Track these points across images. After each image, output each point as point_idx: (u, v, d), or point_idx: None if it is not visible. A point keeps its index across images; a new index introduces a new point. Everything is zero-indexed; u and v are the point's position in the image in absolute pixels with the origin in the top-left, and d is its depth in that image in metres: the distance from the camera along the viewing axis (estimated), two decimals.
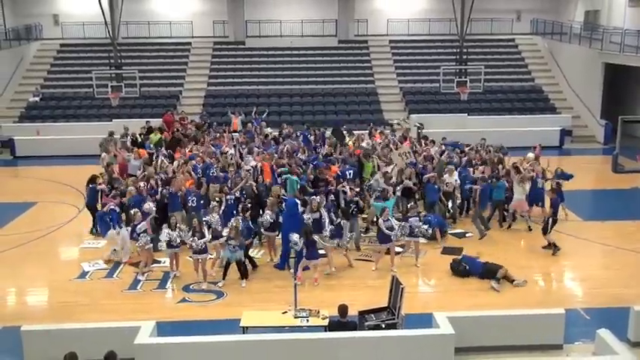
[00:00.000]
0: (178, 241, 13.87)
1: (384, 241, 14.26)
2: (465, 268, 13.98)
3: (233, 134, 23.55)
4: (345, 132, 22.23)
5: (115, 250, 15.11)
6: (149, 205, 14.95)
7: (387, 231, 14.04)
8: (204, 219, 14.27)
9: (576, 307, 12.48)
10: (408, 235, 14.51)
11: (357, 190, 16.16)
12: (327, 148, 20.19)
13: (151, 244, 14.23)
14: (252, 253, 14.73)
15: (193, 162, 18.19)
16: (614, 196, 20.94)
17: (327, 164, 17.88)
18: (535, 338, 10.74)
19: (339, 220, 14.65)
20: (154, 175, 17.15)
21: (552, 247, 15.22)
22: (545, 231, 15.20)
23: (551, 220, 15.13)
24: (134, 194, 15.75)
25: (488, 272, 13.76)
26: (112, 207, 15.26)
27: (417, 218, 14.68)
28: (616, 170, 23.39)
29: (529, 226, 16.96)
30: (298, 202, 14.86)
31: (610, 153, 24.55)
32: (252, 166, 17.90)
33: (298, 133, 23.02)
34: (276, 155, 18.62)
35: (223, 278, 13.72)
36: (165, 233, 13.92)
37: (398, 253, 14.80)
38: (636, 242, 16.10)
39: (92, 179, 16.93)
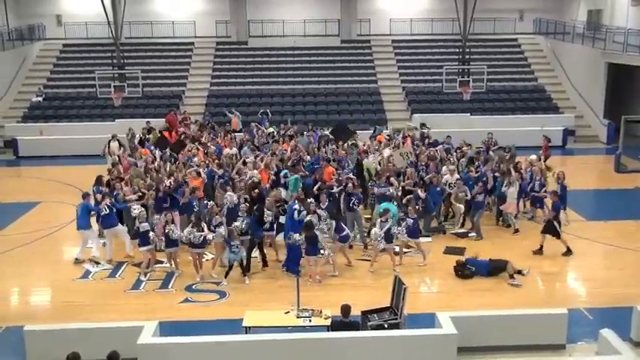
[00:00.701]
0: (174, 236, 13.95)
1: (380, 242, 14.25)
2: (471, 271, 13.93)
3: (235, 134, 23.61)
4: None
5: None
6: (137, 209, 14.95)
7: (379, 231, 14.09)
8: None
9: (579, 307, 12.46)
10: (408, 235, 14.55)
11: (354, 183, 16.13)
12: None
13: (152, 245, 14.24)
14: (254, 253, 14.68)
15: (195, 160, 18.26)
16: (617, 196, 20.91)
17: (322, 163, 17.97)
18: (538, 338, 10.73)
19: (330, 221, 14.62)
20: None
21: (567, 249, 15.22)
22: (558, 235, 15.13)
23: (555, 222, 15.11)
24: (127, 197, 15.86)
25: (496, 269, 13.87)
26: (108, 204, 15.19)
27: (415, 220, 14.69)
28: (619, 170, 23.53)
29: (516, 229, 16.88)
30: (297, 204, 14.90)
31: (613, 153, 24.64)
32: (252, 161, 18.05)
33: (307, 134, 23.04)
34: (277, 155, 18.69)
35: (225, 277, 13.76)
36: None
37: (397, 253, 14.80)
38: (638, 242, 16.08)
39: (98, 180, 16.92)
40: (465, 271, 13.96)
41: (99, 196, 15.74)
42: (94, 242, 15.27)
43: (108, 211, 14.99)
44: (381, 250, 14.43)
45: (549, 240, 15.23)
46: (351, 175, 16.86)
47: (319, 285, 13.60)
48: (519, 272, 13.83)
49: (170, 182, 16.13)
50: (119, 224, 15.36)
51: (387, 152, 19.11)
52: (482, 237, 16.46)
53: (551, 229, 15.14)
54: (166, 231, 13.93)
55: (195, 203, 15.65)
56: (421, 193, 16.15)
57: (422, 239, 15.18)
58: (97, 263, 14.98)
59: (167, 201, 15.64)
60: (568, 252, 15.20)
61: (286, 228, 14.62)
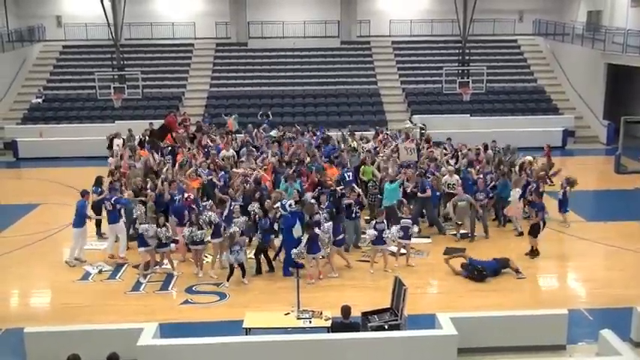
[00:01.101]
0: (165, 236, 13.99)
1: (376, 243, 14.27)
2: (481, 272, 13.78)
3: (236, 135, 23.65)
4: (347, 134, 22.46)
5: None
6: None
7: (373, 232, 14.12)
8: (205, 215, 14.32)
9: (579, 308, 12.46)
10: (400, 237, 14.55)
11: (357, 193, 16.04)
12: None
13: (152, 247, 14.21)
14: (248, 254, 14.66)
15: (196, 163, 18.33)
16: (617, 197, 20.92)
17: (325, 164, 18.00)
18: (538, 339, 10.73)
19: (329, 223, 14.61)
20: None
21: (534, 251, 15.14)
22: (535, 234, 15.08)
23: (541, 223, 15.06)
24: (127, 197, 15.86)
25: (502, 267, 13.98)
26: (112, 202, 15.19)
27: (410, 220, 14.68)
28: (619, 171, 23.53)
29: (520, 232, 16.75)
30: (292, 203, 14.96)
31: (613, 154, 24.65)
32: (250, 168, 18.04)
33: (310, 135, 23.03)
34: (275, 159, 18.71)
35: (227, 280, 13.74)
36: (151, 229, 13.95)
37: (393, 254, 14.79)
38: (639, 243, 16.06)
39: (98, 181, 16.91)
40: (475, 273, 13.77)
41: (95, 196, 15.76)
42: (79, 242, 15.16)
43: (111, 207, 15.05)
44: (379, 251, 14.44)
45: (549, 240, 15.27)
46: (354, 186, 16.69)
47: (319, 286, 13.59)
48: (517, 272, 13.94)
49: (189, 196, 15.88)
50: (121, 221, 15.37)
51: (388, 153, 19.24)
52: (488, 236, 16.45)
53: (534, 230, 15.07)
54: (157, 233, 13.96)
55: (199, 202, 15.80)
56: (421, 194, 16.26)
57: (421, 240, 15.12)
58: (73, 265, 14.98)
59: (184, 212, 15.28)
60: (533, 253, 15.05)
61: (286, 225, 14.58)
